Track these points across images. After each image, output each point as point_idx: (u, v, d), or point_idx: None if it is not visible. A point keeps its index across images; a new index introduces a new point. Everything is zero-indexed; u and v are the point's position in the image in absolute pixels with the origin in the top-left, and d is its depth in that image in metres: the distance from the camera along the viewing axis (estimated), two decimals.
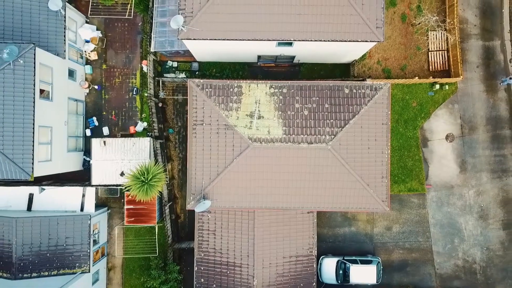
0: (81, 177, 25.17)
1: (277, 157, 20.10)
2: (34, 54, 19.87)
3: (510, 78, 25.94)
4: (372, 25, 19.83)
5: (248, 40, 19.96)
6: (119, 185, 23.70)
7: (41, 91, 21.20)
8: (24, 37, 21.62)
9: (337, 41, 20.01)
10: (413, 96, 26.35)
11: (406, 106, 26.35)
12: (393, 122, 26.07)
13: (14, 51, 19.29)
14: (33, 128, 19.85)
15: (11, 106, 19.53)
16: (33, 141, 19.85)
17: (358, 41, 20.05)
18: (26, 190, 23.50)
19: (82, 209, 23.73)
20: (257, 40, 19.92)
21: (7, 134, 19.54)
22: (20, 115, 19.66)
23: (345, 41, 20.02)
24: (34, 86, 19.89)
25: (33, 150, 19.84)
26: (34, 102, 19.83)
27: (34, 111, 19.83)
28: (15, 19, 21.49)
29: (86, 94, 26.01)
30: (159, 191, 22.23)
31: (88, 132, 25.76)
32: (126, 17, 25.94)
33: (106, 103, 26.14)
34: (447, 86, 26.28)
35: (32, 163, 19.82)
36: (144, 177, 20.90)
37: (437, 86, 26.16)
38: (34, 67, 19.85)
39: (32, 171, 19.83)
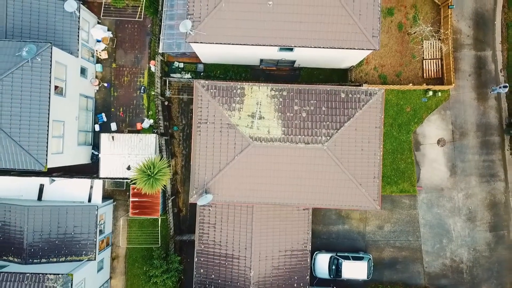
0: (89, 170, 26.33)
1: (275, 156, 21.21)
2: (51, 53, 21.03)
3: (500, 87, 26.99)
4: (369, 34, 20.99)
5: (251, 45, 21.08)
6: (126, 178, 24.85)
7: (55, 87, 22.32)
8: (41, 37, 22.85)
9: (335, 48, 21.17)
10: (407, 102, 27.51)
11: (400, 111, 27.52)
12: (387, 126, 27.21)
13: (33, 49, 20.46)
14: (48, 122, 20.99)
15: (28, 101, 20.65)
16: (47, 134, 21.01)
17: (354, 48, 21.19)
18: (37, 180, 24.60)
19: (89, 200, 24.88)
20: (260, 45, 21.05)
21: (23, 127, 20.66)
22: (36, 109, 20.78)
23: (342, 48, 21.18)
24: (50, 83, 21.03)
25: (47, 143, 20.99)
26: (49, 97, 20.99)
27: (49, 106, 20.98)
28: (32, 20, 22.73)
29: (96, 91, 27.24)
30: (163, 185, 23.30)
31: (97, 127, 26.94)
32: (136, 19, 27.12)
33: (114, 100, 27.35)
34: (440, 93, 27.45)
35: (46, 155, 20.97)
36: (150, 171, 21.97)
37: (431, 93, 27.32)
38: (51, 65, 21.00)
39: (46, 162, 20.99)
